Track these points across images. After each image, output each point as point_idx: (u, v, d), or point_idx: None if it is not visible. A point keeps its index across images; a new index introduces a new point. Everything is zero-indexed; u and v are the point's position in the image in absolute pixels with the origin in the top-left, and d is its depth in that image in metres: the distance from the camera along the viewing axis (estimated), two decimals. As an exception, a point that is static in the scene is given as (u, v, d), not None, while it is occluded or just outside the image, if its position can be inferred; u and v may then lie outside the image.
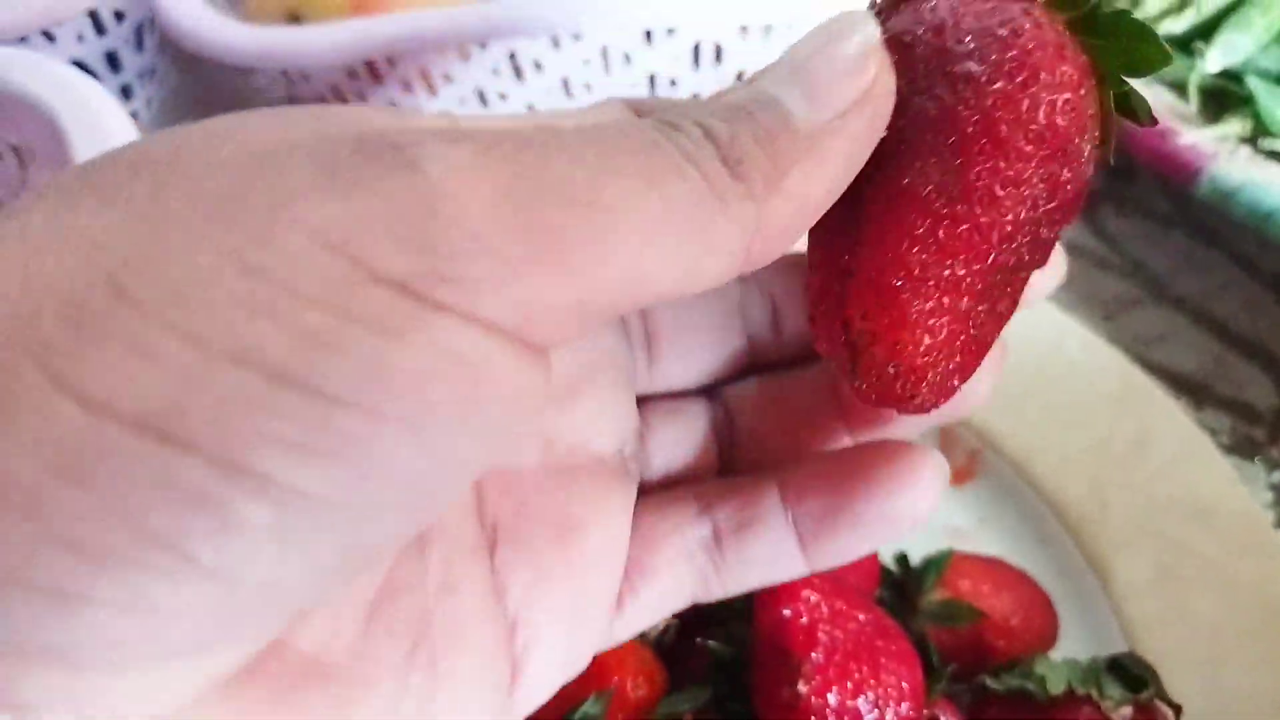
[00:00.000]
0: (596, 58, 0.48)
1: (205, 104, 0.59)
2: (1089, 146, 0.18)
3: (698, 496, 0.23)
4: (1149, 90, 0.48)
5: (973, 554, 0.36)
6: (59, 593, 0.12)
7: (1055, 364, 0.42)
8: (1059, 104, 0.17)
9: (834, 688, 0.28)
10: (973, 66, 0.18)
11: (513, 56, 0.47)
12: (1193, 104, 0.46)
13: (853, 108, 0.17)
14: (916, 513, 0.21)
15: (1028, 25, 0.17)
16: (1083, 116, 0.18)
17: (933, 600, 0.34)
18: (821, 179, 0.17)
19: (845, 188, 0.18)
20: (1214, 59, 0.46)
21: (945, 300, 0.18)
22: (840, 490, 0.21)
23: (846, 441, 0.24)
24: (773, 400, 0.24)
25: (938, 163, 0.18)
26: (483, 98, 0.50)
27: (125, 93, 0.52)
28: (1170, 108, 0.47)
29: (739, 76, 0.51)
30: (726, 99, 0.18)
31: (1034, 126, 0.17)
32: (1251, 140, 0.45)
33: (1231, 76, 0.47)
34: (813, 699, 0.28)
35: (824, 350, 0.20)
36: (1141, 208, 0.51)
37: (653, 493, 0.23)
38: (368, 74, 0.47)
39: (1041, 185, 0.18)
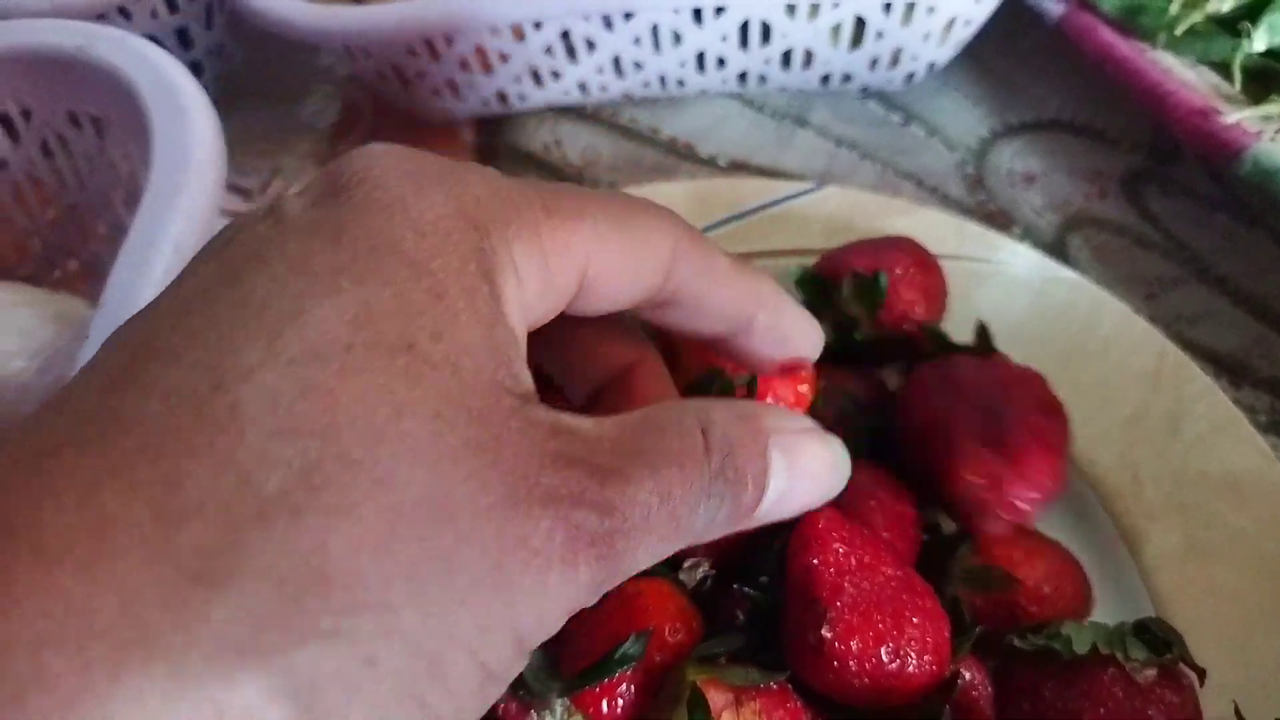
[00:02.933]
0: (647, 36, 0.49)
1: (270, 81, 0.62)
2: None
3: None
4: (1195, 70, 0.48)
5: (1008, 522, 0.37)
6: None
7: (1091, 340, 0.42)
8: None
9: (856, 636, 0.29)
10: None
11: (566, 35, 0.49)
12: (1236, 84, 0.46)
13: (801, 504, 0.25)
14: None
15: None
16: None
17: (967, 565, 0.35)
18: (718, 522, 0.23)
19: None
20: (1259, 38, 0.46)
21: None
22: None
23: None
24: None
25: None
26: (536, 76, 0.52)
27: (195, 69, 0.54)
28: (1214, 88, 0.47)
29: (785, 55, 0.52)
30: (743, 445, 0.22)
31: None
32: (1296, 120, 0.45)
33: (1276, 56, 0.47)
34: (836, 644, 0.29)
35: None
36: (1185, 189, 0.52)
37: None
38: (427, 51, 0.49)
39: None
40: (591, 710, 0.30)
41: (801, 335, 0.29)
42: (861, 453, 0.39)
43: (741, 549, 0.34)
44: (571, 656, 0.32)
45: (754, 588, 0.33)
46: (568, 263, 0.22)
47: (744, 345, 0.28)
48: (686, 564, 0.33)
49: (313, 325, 0.17)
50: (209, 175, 0.35)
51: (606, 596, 0.31)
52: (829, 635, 0.29)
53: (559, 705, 0.32)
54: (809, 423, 0.25)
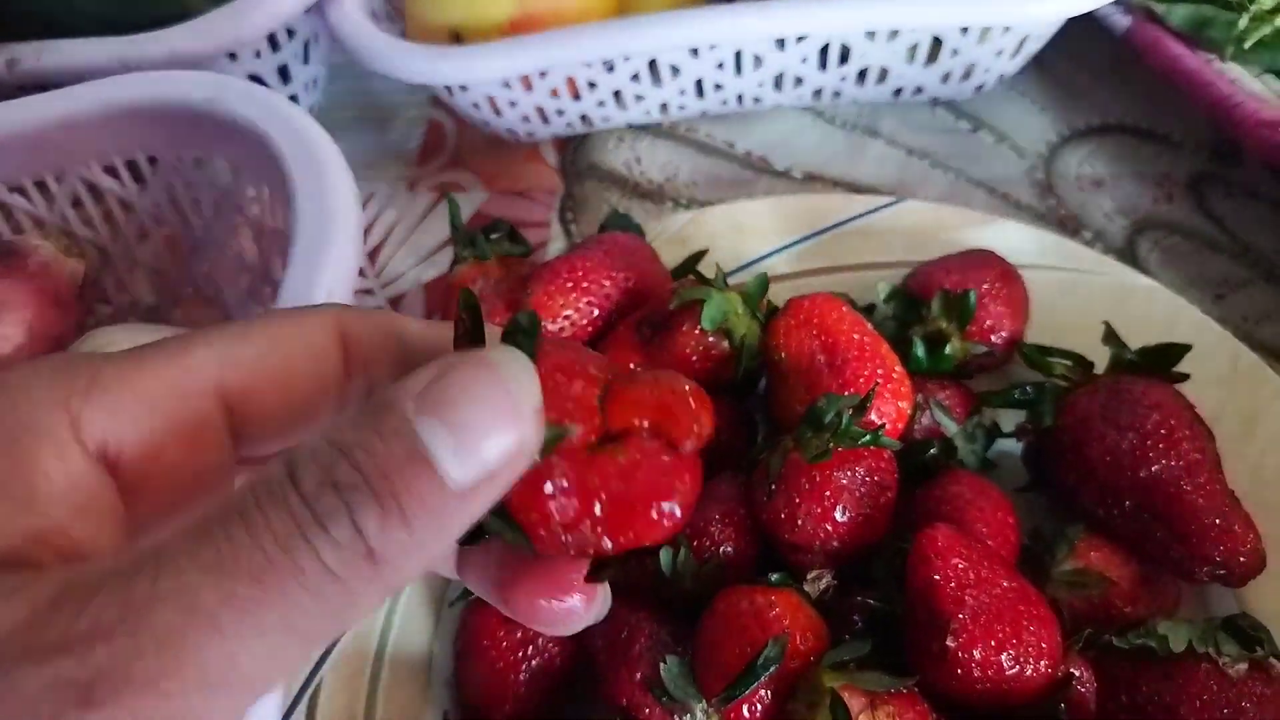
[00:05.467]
0: (730, 61, 0.51)
1: (357, 106, 0.64)
2: None
3: None
4: (1261, 80, 0.50)
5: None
6: None
7: (1169, 346, 0.44)
8: None
9: (979, 644, 0.32)
10: None
11: (653, 64, 0.51)
12: (1304, 94, 0.48)
13: (504, 465, 0.17)
14: None
15: None
16: None
17: (1065, 569, 0.37)
18: (446, 536, 0.17)
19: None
20: (1328, 49, 0.48)
21: None
22: None
23: None
24: None
25: None
26: (619, 99, 0.54)
27: (292, 100, 0.57)
28: (1281, 96, 0.49)
29: (861, 73, 0.54)
30: (380, 456, 0.16)
31: None
32: (1363, 128, 0.46)
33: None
34: (960, 653, 0.32)
35: None
36: (1248, 190, 0.53)
37: None
38: (521, 84, 0.51)
39: None
40: (732, 715, 0.33)
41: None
42: (953, 461, 0.41)
43: (858, 559, 0.37)
44: (706, 664, 0.35)
45: (873, 596, 0.36)
46: (171, 402, 0.20)
47: None
48: (811, 575, 0.36)
49: None
50: (351, 226, 0.38)
51: (739, 607, 0.34)
52: (953, 645, 0.32)
53: (699, 710, 0.35)
54: (456, 357, 0.18)
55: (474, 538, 0.20)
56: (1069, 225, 0.54)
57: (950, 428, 0.42)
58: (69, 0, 0.50)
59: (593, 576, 0.22)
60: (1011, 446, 0.43)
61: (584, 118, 0.56)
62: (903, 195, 0.55)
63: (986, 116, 0.58)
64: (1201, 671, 0.34)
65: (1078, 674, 0.34)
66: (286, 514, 0.16)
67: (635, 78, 0.52)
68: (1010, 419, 0.42)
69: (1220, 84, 0.49)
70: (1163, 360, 0.40)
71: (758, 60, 0.51)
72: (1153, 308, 0.46)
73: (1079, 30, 0.55)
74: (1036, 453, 0.41)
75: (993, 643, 0.32)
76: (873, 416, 0.38)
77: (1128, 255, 0.52)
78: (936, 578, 0.33)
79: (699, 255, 0.46)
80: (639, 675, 0.36)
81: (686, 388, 0.21)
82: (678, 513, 0.20)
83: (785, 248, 0.50)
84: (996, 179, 0.56)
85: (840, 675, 0.32)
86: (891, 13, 0.47)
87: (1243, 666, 0.34)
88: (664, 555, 0.37)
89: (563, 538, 0.20)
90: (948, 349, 0.43)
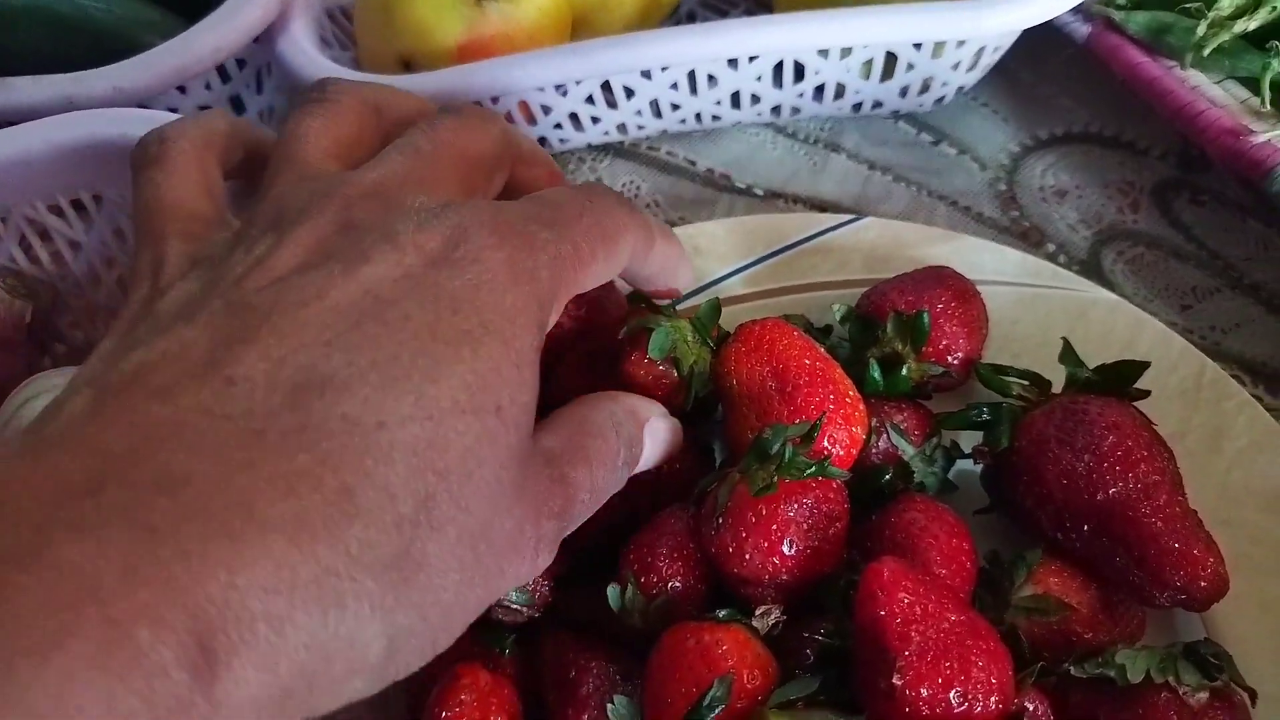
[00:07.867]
0: (684, 81, 0.51)
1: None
2: None
3: None
4: (1222, 86, 0.49)
5: (1061, 550, 0.39)
6: None
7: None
8: None
9: (926, 682, 0.31)
10: None
11: (605, 85, 0.50)
12: (1266, 101, 0.47)
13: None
14: None
15: None
16: None
17: (1024, 595, 0.36)
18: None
19: None
20: (1289, 55, 0.47)
21: None
22: None
23: None
24: None
25: None
26: (577, 121, 0.54)
27: (248, 131, 0.56)
28: (1243, 104, 0.48)
29: (818, 89, 0.54)
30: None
31: None
32: (1326, 135, 0.46)
33: (1305, 73, 0.48)
34: (907, 691, 0.31)
35: None
36: (1216, 196, 0.53)
37: None
38: (472, 110, 0.50)
39: None
40: (679, 757, 0.33)
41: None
42: (912, 485, 0.41)
43: (807, 590, 0.37)
44: (654, 703, 0.34)
45: (822, 630, 0.35)
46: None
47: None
48: (759, 611, 0.35)
49: (445, 388, 0.24)
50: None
51: (685, 645, 0.34)
52: (899, 683, 0.31)
53: (647, 752, 0.35)
54: (660, 408, 0.37)
55: None
56: (1032, 238, 0.53)
57: (908, 450, 0.41)
58: (13, 36, 0.49)
59: None
60: (975, 467, 0.42)
61: (542, 140, 0.56)
62: (865, 210, 0.54)
63: (949, 128, 0.58)
64: (1161, 701, 0.33)
65: (1032, 707, 0.33)
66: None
67: (590, 100, 0.51)
68: (973, 439, 0.42)
69: (1181, 91, 0.48)
70: (1121, 378, 0.39)
71: (712, 80, 0.51)
72: (1115, 322, 0.45)
73: (1040, 39, 0.54)
74: (995, 475, 0.41)
75: (940, 680, 0.31)
76: (825, 443, 0.38)
77: (1092, 267, 0.51)
78: (882, 613, 0.32)
79: (654, 280, 0.45)
80: (586, 716, 0.35)
81: None
82: None
83: (743, 268, 0.49)
84: (959, 192, 0.55)
85: (786, 715, 0.32)
86: (840, 31, 0.47)
87: (1203, 695, 0.33)
88: (611, 592, 0.37)
89: None
90: (903, 370, 0.42)
